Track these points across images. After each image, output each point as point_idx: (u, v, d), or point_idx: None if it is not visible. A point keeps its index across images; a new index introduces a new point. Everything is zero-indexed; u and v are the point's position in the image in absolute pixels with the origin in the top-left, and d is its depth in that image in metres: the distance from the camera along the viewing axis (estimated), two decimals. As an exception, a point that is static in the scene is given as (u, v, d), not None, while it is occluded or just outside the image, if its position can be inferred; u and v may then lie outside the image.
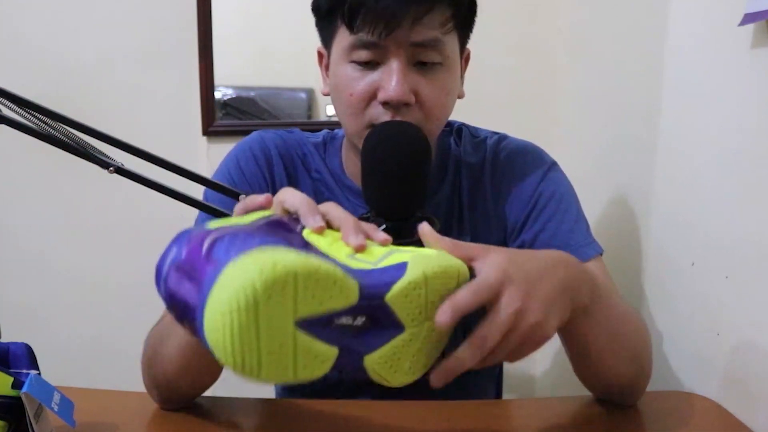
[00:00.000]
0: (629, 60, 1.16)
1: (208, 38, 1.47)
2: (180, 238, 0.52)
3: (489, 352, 0.54)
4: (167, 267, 0.50)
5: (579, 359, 0.73)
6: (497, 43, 1.47)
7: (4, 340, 0.66)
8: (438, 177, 0.91)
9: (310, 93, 1.58)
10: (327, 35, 0.83)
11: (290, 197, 0.58)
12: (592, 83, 1.36)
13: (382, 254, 0.54)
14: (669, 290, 0.98)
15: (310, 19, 0.85)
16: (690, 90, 0.94)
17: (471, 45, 0.87)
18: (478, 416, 0.77)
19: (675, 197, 0.98)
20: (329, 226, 0.57)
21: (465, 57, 0.86)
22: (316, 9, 0.82)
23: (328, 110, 1.55)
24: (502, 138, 0.94)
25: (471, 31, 0.85)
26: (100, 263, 1.52)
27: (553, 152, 0.94)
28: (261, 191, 0.88)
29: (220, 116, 1.53)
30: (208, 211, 0.78)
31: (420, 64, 0.77)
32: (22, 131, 0.61)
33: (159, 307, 0.60)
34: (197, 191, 0.77)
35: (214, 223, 0.53)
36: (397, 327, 0.52)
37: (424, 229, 0.58)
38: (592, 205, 1.17)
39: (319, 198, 0.90)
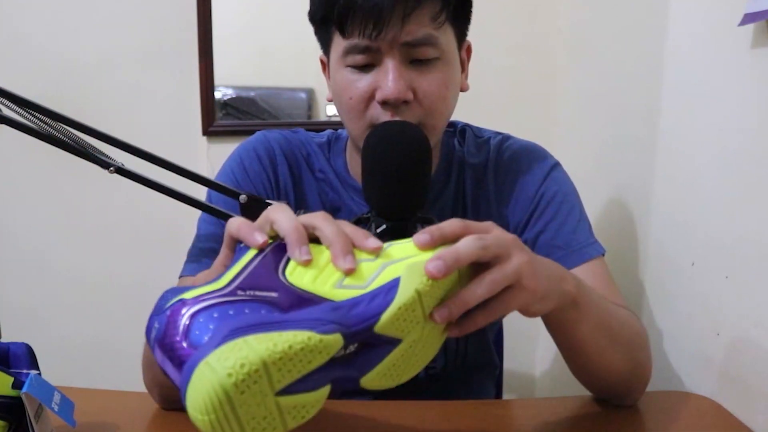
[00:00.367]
0: (629, 60, 1.16)
1: (208, 38, 1.47)
2: (159, 312, 0.50)
3: (491, 294, 0.54)
4: (152, 341, 0.49)
5: (570, 354, 0.73)
6: (497, 43, 1.47)
7: (4, 340, 0.66)
8: (443, 178, 0.91)
9: (310, 93, 1.58)
10: (325, 43, 0.83)
11: (280, 221, 0.55)
12: (592, 83, 1.36)
13: (374, 272, 0.52)
14: (669, 290, 0.98)
15: (310, 19, 0.85)
16: (690, 90, 0.94)
17: (472, 45, 0.87)
18: (478, 416, 0.77)
19: (675, 197, 0.98)
20: (318, 241, 0.55)
21: (466, 49, 0.86)
22: (311, 18, 0.83)
23: (328, 110, 1.56)
24: (505, 138, 0.94)
25: (468, 23, 0.84)
26: (100, 263, 1.53)
27: (554, 152, 0.94)
28: (265, 191, 0.88)
29: (220, 116, 1.53)
30: (208, 211, 0.78)
31: (416, 61, 0.77)
32: (22, 131, 0.61)
33: (159, 307, 0.60)
34: (197, 191, 0.77)
35: (190, 293, 0.50)
36: (392, 342, 0.50)
37: (421, 240, 0.54)
38: (592, 205, 1.17)
39: (323, 198, 0.91)
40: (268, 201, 0.78)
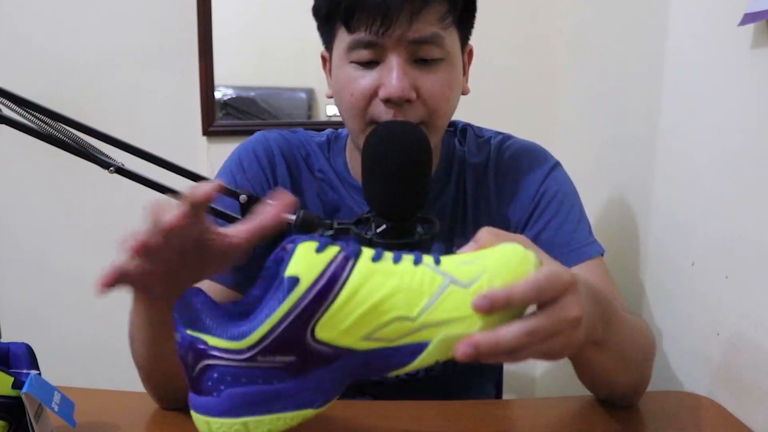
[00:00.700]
0: (629, 60, 1.16)
1: (208, 38, 1.47)
2: (184, 324, 0.51)
3: (527, 345, 0.49)
4: (176, 340, 0.52)
5: (582, 375, 0.74)
6: (498, 43, 1.47)
7: (4, 340, 0.66)
8: (443, 178, 0.91)
9: (310, 93, 1.58)
10: (328, 38, 0.83)
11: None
12: (592, 83, 1.36)
13: (409, 331, 0.49)
14: (669, 290, 0.98)
15: (311, 19, 0.85)
16: (690, 90, 0.94)
17: (473, 45, 0.87)
18: (478, 416, 0.77)
19: (675, 197, 0.98)
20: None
21: (468, 52, 0.86)
22: (316, 12, 0.83)
23: (328, 110, 1.55)
24: (506, 138, 0.94)
25: (472, 26, 0.85)
26: (100, 263, 1.50)
27: (554, 152, 0.94)
28: (263, 191, 0.88)
29: (220, 116, 1.53)
30: (208, 211, 0.78)
31: (421, 60, 0.77)
32: (22, 131, 0.61)
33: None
34: (197, 191, 0.77)
35: (213, 340, 0.50)
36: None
37: (477, 305, 0.48)
38: (592, 205, 1.17)
39: (322, 198, 0.91)
40: (268, 201, 0.77)
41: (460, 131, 0.95)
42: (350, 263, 0.49)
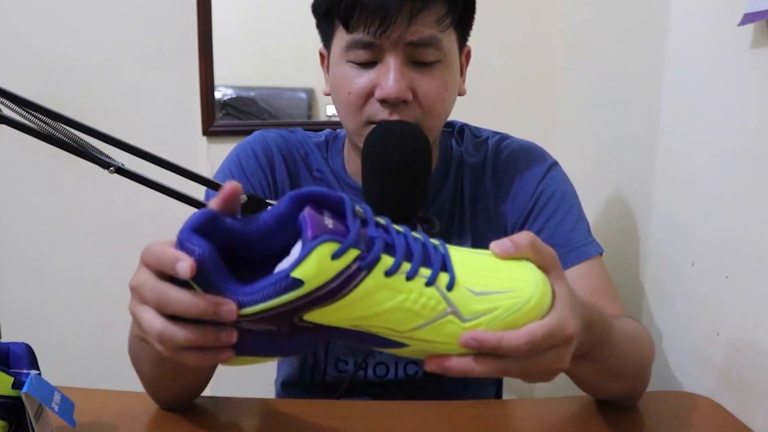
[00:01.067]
0: (629, 60, 1.16)
1: (208, 38, 1.47)
2: (192, 244, 0.49)
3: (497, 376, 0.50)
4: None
5: (575, 382, 0.73)
6: (498, 43, 1.47)
7: (4, 340, 0.66)
8: (441, 178, 0.91)
9: (310, 93, 1.58)
10: (326, 36, 0.83)
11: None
12: (592, 83, 1.36)
13: (392, 337, 0.50)
14: (669, 290, 0.98)
15: (310, 19, 0.85)
16: (690, 90, 0.94)
17: (472, 45, 0.87)
18: (478, 416, 0.77)
19: (675, 197, 0.98)
20: None
21: (465, 54, 0.86)
22: (315, 10, 0.83)
23: (328, 110, 1.55)
24: (503, 138, 0.94)
25: (470, 28, 0.85)
26: (100, 263, 1.52)
27: (553, 152, 0.94)
28: (262, 190, 0.88)
29: (220, 116, 1.53)
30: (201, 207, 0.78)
31: (418, 62, 0.77)
32: (22, 131, 0.61)
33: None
34: (197, 191, 0.77)
35: None
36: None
37: (466, 342, 0.49)
38: (592, 205, 1.17)
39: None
40: (268, 201, 0.78)
41: (458, 131, 0.95)
42: (362, 275, 0.47)
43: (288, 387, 0.99)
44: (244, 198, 0.69)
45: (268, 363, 0.54)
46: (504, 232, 0.90)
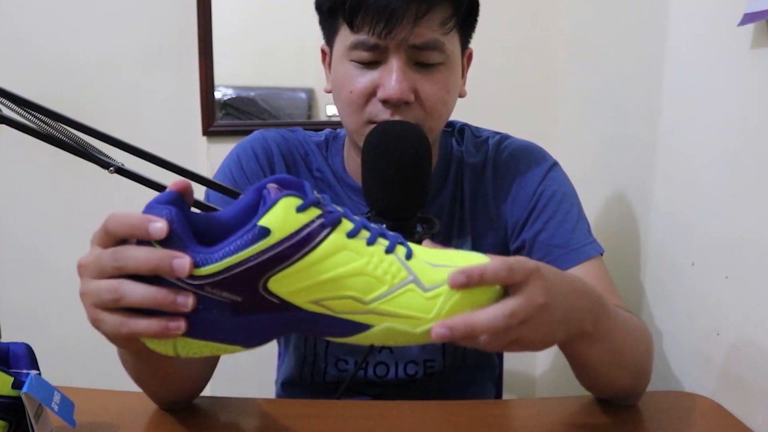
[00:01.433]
0: (629, 60, 1.16)
1: (208, 38, 1.47)
2: (158, 210, 0.50)
3: (497, 330, 0.51)
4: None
5: (579, 372, 0.74)
6: (499, 43, 1.47)
7: (4, 340, 0.66)
8: (441, 178, 0.91)
9: (310, 93, 1.58)
10: (329, 33, 0.83)
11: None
12: (592, 83, 1.36)
13: (357, 310, 0.50)
14: (669, 290, 0.98)
15: (310, 19, 0.85)
16: (690, 90, 0.94)
17: (473, 45, 0.87)
18: (478, 416, 0.77)
19: (675, 197, 0.98)
20: None
21: (467, 56, 0.86)
22: (318, 7, 0.83)
23: (328, 110, 1.55)
24: (504, 138, 0.94)
25: (473, 31, 0.85)
26: (100, 263, 1.52)
27: (553, 152, 0.94)
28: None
29: (220, 116, 1.53)
30: (209, 211, 0.78)
31: (420, 64, 0.77)
32: (22, 131, 0.61)
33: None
34: (197, 191, 0.77)
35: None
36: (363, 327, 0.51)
37: (454, 281, 0.50)
38: (592, 205, 1.17)
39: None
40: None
41: (458, 131, 0.95)
42: (325, 232, 0.49)
43: (288, 387, 0.99)
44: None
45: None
46: (504, 233, 0.90)
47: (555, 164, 0.91)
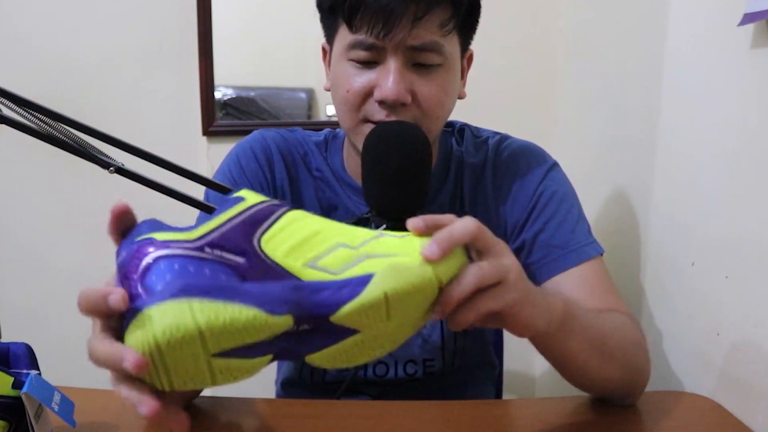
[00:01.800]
0: (629, 60, 1.16)
1: (208, 38, 1.47)
2: (129, 242, 0.49)
3: (480, 285, 0.53)
4: (116, 265, 0.50)
5: (561, 369, 0.73)
6: (498, 43, 1.47)
7: (4, 340, 0.66)
8: (440, 178, 0.91)
9: (310, 93, 1.58)
10: (330, 31, 0.83)
11: None
12: (592, 83, 1.36)
13: (352, 260, 0.50)
14: (669, 290, 0.98)
15: (310, 19, 0.85)
16: (690, 90, 0.94)
17: (472, 46, 0.87)
18: (478, 416, 0.77)
19: (675, 197, 0.98)
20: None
21: (468, 57, 0.86)
22: (319, 5, 0.83)
23: (328, 110, 1.55)
24: (503, 138, 0.94)
25: (473, 33, 0.85)
26: (100, 263, 1.51)
27: (553, 152, 0.94)
28: (262, 190, 0.88)
29: (220, 116, 1.53)
30: (209, 211, 0.78)
31: (418, 65, 0.77)
32: (22, 131, 0.61)
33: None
34: (197, 191, 0.77)
35: (161, 234, 0.49)
36: (349, 332, 0.49)
37: (416, 224, 0.54)
38: (592, 205, 1.17)
39: (320, 196, 0.91)
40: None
41: (458, 131, 0.95)
42: (288, 206, 0.54)
43: (288, 387, 0.99)
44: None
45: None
46: (504, 233, 0.90)
47: (555, 164, 0.91)
